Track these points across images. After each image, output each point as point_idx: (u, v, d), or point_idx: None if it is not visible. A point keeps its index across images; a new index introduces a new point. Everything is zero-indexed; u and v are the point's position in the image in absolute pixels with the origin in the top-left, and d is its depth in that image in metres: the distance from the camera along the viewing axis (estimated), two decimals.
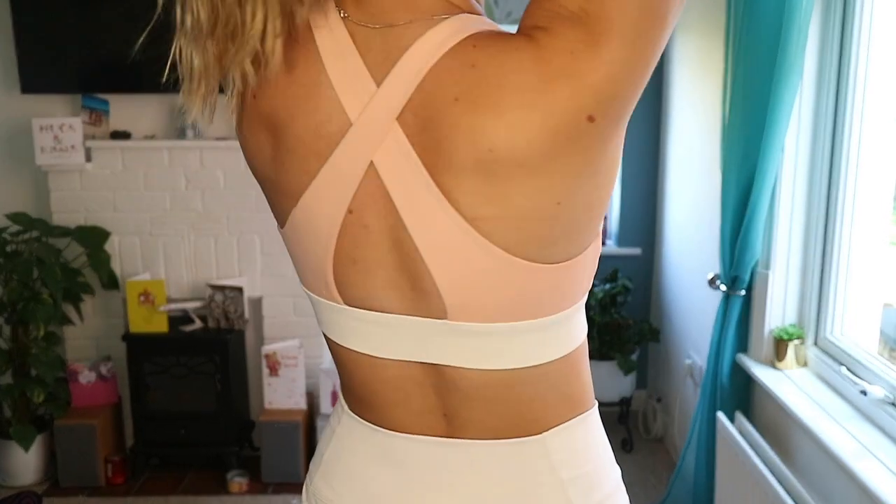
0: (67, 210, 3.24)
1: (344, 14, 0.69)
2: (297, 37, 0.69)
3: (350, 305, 0.75)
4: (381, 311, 0.73)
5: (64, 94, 3.23)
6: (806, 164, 2.23)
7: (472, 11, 0.70)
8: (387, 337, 0.74)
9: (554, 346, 0.75)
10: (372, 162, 0.68)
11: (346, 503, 0.82)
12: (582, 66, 0.61)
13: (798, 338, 2.29)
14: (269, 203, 0.79)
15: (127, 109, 3.24)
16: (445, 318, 0.71)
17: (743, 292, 2.39)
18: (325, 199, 0.70)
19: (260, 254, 3.30)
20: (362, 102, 0.67)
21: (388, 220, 0.69)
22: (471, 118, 0.63)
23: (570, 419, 0.78)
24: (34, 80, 3.13)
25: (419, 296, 0.71)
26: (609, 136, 0.65)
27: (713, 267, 2.61)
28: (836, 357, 2.16)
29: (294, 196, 0.72)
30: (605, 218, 3.47)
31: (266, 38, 0.67)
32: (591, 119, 0.62)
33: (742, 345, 2.45)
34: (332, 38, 0.69)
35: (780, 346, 2.29)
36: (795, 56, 2.04)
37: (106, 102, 3.22)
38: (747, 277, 2.37)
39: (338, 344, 0.79)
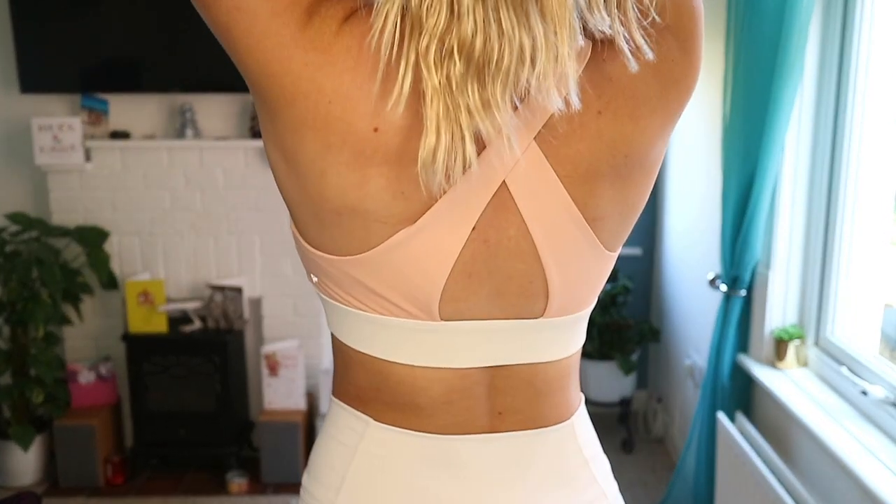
0: (67, 210, 3.24)
1: None
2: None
3: (448, 321, 0.75)
4: (482, 319, 0.76)
5: (63, 94, 3.22)
6: (806, 163, 2.23)
7: None
8: (476, 345, 0.77)
9: (584, 331, 0.84)
10: (504, 180, 0.70)
11: None
12: (682, 72, 0.72)
13: (798, 338, 2.28)
14: (328, 234, 0.73)
15: (126, 109, 3.24)
16: (542, 316, 0.77)
17: (743, 292, 2.39)
18: (450, 220, 0.70)
19: (259, 254, 3.30)
20: (498, 124, 0.66)
21: (510, 232, 0.72)
22: (613, 129, 0.70)
23: (581, 404, 0.88)
24: (33, 79, 3.12)
25: (523, 300, 0.76)
26: None
27: (713, 267, 2.60)
28: (837, 357, 2.16)
29: (405, 220, 0.70)
30: None
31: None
32: (679, 118, 0.74)
33: (742, 345, 2.45)
34: None
35: (780, 346, 2.29)
36: (796, 55, 2.04)
37: (105, 102, 3.21)
38: (748, 277, 2.36)
39: (393, 363, 0.77)
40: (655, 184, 3.61)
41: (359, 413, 0.81)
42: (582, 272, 0.76)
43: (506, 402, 0.80)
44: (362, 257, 0.72)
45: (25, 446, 3.08)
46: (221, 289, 3.22)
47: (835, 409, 2.04)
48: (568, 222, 0.72)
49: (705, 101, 2.78)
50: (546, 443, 0.82)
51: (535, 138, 0.69)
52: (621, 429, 3.44)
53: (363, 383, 0.81)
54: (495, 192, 0.70)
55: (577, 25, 0.64)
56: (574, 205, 0.71)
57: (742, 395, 2.45)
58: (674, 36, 0.70)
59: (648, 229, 3.62)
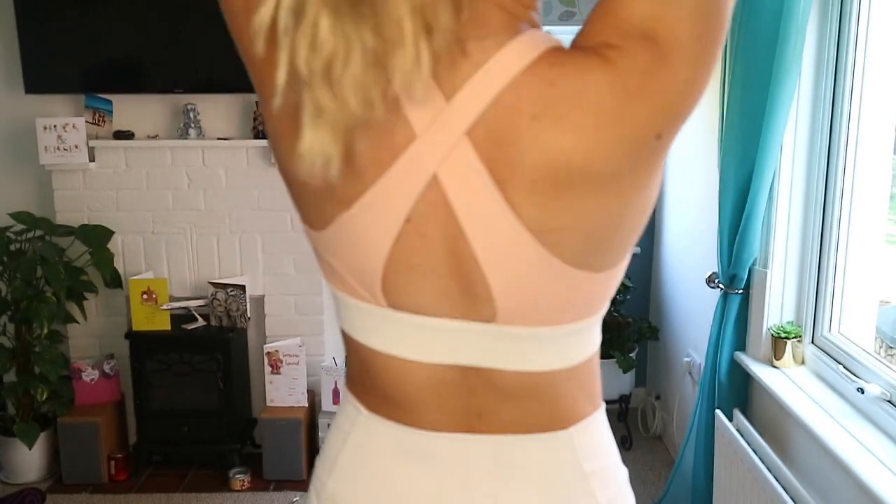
0: (71, 209, 3.26)
1: None
2: None
3: (396, 310, 0.75)
4: (431, 315, 0.74)
5: (67, 95, 3.25)
6: (803, 163, 2.25)
7: (535, 25, 0.70)
8: (431, 340, 0.76)
9: (585, 348, 0.80)
10: (435, 174, 0.68)
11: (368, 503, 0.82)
12: (655, 85, 0.64)
13: (795, 336, 2.30)
14: (301, 206, 0.77)
15: (130, 109, 3.27)
16: (494, 321, 0.73)
17: (741, 291, 2.40)
18: (382, 207, 0.70)
19: (262, 252, 3.33)
20: (429, 116, 0.66)
21: (447, 230, 0.70)
22: (550, 136, 0.64)
23: (590, 415, 0.83)
24: (38, 80, 3.15)
25: (470, 301, 0.73)
26: (666, 150, 0.68)
27: (711, 266, 2.62)
28: (833, 355, 2.18)
29: (345, 202, 0.71)
30: None
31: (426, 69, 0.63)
32: (658, 136, 0.65)
33: (740, 343, 2.46)
34: None
35: (777, 344, 2.31)
36: (793, 56, 2.06)
37: (109, 102, 3.24)
38: (745, 276, 2.38)
39: (368, 347, 0.79)
40: None
41: (355, 401, 0.84)
42: (533, 284, 0.71)
43: (481, 404, 0.78)
44: (322, 234, 0.75)
45: (30, 443, 3.10)
46: (224, 287, 3.24)
47: (831, 406, 2.05)
48: (505, 228, 0.68)
49: (704, 100, 2.80)
50: (532, 450, 0.80)
51: (467, 134, 0.66)
52: (620, 426, 3.46)
53: (356, 369, 0.83)
54: (427, 185, 0.68)
55: (447, 26, 0.63)
56: (511, 211, 0.67)
57: (740, 392, 2.46)
58: (653, 45, 0.62)
59: (647, 228, 3.62)
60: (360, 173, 0.69)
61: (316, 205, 0.74)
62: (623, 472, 0.88)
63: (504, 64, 0.65)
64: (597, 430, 0.84)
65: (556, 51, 0.66)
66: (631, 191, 0.68)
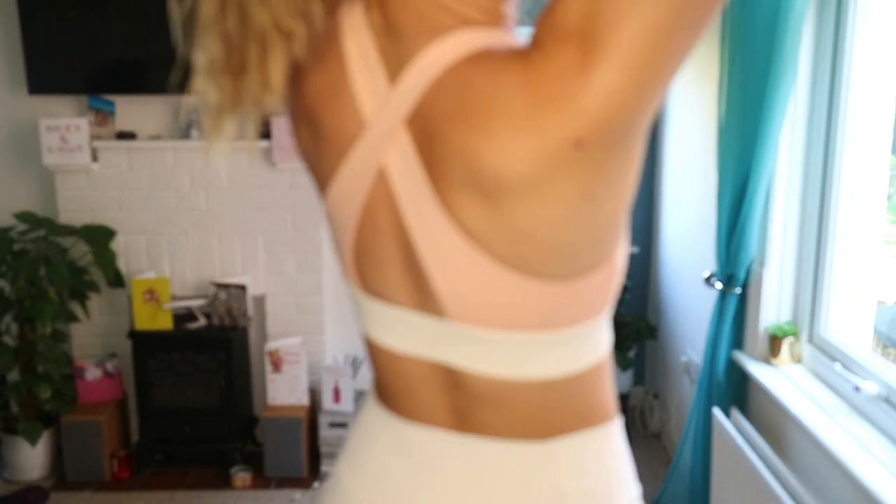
0: (74, 209, 3.28)
1: (370, 17, 0.70)
2: (329, 37, 0.71)
3: (369, 295, 0.77)
4: (394, 304, 0.75)
5: (70, 96, 3.27)
6: (800, 163, 2.26)
7: (493, 24, 0.68)
8: (399, 330, 0.76)
9: (565, 363, 0.74)
10: (382, 164, 0.70)
11: (363, 488, 0.84)
12: (571, 90, 0.57)
13: (793, 335, 2.31)
14: (314, 181, 0.82)
15: (132, 110, 3.29)
16: (445, 317, 0.72)
17: (738, 290, 2.41)
18: (345, 194, 0.73)
19: (263, 252, 3.35)
20: (377, 106, 0.69)
21: (395, 222, 0.71)
22: (462, 138, 0.62)
23: (581, 430, 0.77)
24: (41, 81, 3.17)
25: (424, 296, 0.73)
26: (603, 162, 0.62)
27: (709, 265, 2.64)
28: (830, 354, 2.19)
29: (325, 185, 0.76)
30: None
31: (272, 71, 0.69)
32: (579, 146, 0.59)
33: (738, 342, 2.47)
34: (356, 40, 0.70)
35: (775, 342, 2.32)
36: (790, 57, 2.07)
37: (112, 103, 3.26)
38: (743, 275, 2.39)
39: (366, 334, 0.82)
40: (652, 183, 3.59)
41: (371, 389, 0.87)
42: (474, 286, 0.69)
43: (459, 404, 0.76)
44: (324, 209, 0.79)
45: (33, 441, 3.12)
46: (226, 287, 3.26)
47: (828, 404, 2.06)
48: (442, 227, 0.67)
49: (701, 101, 2.82)
50: (507, 457, 0.76)
51: (408, 127, 0.68)
52: None
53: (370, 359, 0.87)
54: (377, 176, 0.70)
55: (299, 30, 0.68)
56: (443, 209, 0.67)
57: (737, 391, 2.47)
58: (576, 47, 0.57)
59: (646, 228, 3.66)
60: (330, 161, 0.73)
61: (317, 186, 0.79)
62: (625, 494, 0.81)
63: (429, 60, 0.65)
64: (587, 448, 0.78)
65: (489, 51, 0.64)
66: (556, 202, 0.63)
